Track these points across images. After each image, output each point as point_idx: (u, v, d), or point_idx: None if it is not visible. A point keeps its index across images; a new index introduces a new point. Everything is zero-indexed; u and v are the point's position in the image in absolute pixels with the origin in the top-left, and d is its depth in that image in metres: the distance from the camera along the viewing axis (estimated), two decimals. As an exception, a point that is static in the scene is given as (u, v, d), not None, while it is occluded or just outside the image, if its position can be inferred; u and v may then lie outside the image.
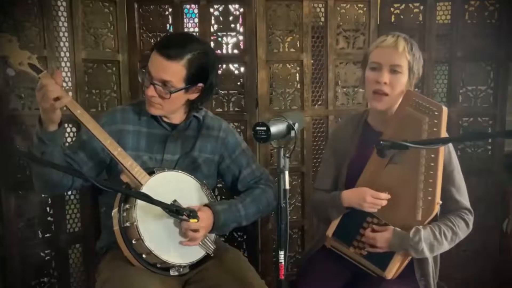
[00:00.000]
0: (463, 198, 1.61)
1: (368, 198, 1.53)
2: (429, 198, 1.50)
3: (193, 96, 1.64)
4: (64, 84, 1.96)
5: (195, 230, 1.51)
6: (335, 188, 1.73)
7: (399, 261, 1.54)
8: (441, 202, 1.53)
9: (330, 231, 1.65)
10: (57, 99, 1.39)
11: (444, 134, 1.52)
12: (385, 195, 1.54)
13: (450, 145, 1.62)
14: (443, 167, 1.54)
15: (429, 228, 1.52)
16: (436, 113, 1.51)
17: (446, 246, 1.55)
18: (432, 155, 1.50)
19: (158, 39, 2.23)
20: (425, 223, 1.52)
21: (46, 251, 2.01)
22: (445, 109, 1.51)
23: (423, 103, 1.54)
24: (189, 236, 1.52)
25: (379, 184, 1.56)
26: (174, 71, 1.55)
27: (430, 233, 1.51)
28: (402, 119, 1.57)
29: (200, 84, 1.62)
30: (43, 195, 1.96)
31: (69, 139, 2.01)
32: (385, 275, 1.53)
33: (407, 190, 1.53)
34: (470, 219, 1.60)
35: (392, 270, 1.53)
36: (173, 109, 1.64)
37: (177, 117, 1.69)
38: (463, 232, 1.58)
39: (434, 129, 1.50)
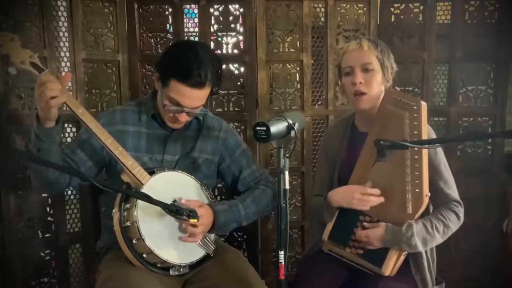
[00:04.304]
0: (452, 190, 1.63)
1: (357, 195, 1.55)
2: (417, 190, 1.53)
3: None
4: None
5: (194, 225, 1.51)
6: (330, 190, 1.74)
7: (394, 257, 1.55)
8: (429, 194, 1.55)
9: (325, 235, 1.66)
10: (53, 98, 1.39)
11: (425, 127, 1.55)
12: (374, 190, 1.56)
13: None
14: (430, 162, 1.57)
15: (421, 222, 1.54)
16: (415, 107, 1.55)
17: (438, 239, 1.57)
18: (416, 149, 1.53)
19: (158, 39, 2.23)
20: (416, 215, 1.54)
21: (46, 251, 2.01)
22: (423, 104, 1.55)
23: (402, 100, 1.58)
24: (188, 231, 1.52)
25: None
26: (205, 94, 1.60)
27: (423, 227, 1.53)
28: (385, 117, 1.60)
29: (215, 88, 1.65)
30: (42, 195, 1.96)
31: (69, 139, 2.00)
32: (383, 272, 1.54)
33: (395, 185, 1.56)
34: (461, 210, 1.62)
35: (389, 267, 1.54)
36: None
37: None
38: (454, 224, 1.60)
39: (415, 123, 1.54)
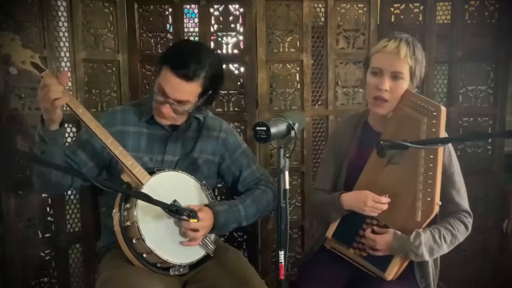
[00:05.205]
0: (463, 201, 1.61)
1: (369, 202, 1.53)
2: (428, 199, 1.50)
3: (200, 102, 1.64)
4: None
5: (195, 230, 1.51)
6: (335, 188, 1.73)
7: (399, 263, 1.54)
8: (440, 203, 1.53)
9: (330, 232, 1.65)
10: (57, 99, 1.39)
11: (443, 134, 1.52)
12: (386, 199, 1.53)
13: (451, 147, 1.62)
14: (444, 170, 1.54)
15: (429, 231, 1.52)
16: (434, 113, 1.50)
17: (445, 249, 1.56)
18: (431, 156, 1.50)
19: (158, 39, 2.23)
20: (425, 224, 1.52)
21: (46, 251, 2.01)
22: (443, 109, 1.50)
23: (421, 103, 1.53)
24: (189, 236, 1.52)
25: (378, 185, 1.56)
26: (192, 90, 1.56)
27: (430, 237, 1.51)
28: (401, 119, 1.56)
29: (210, 92, 1.63)
30: (43, 195, 1.96)
31: (69, 139, 2.00)
32: (386, 276, 1.53)
33: (406, 191, 1.53)
34: (470, 221, 1.60)
35: (392, 272, 1.53)
36: (183, 118, 1.65)
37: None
38: (462, 234, 1.58)
39: (433, 129, 1.50)
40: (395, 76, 1.55)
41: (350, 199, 1.58)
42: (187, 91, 1.55)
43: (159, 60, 1.58)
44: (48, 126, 1.46)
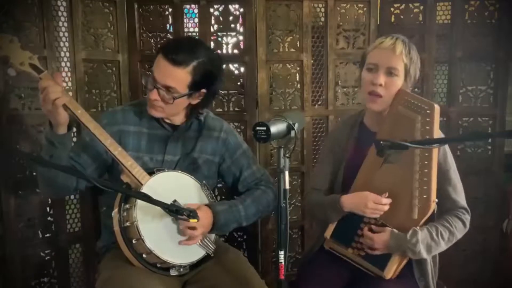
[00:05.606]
0: (460, 197, 1.62)
1: (370, 204, 1.53)
2: (425, 196, 1.51)
3: (195, 101, 1.64)
4: (64, 84, 1.96)
5: (193, 228, 1.51)
6: (332, 187, 1.73)
7: (397, 261, 1.54)
8: (437, 200, 1.53)
9: (328, 233, 1.65)
10: (57, 99, 1.40)
11: (437, 132, 1.52)
12: (387, 200, 1.54)
13: (446, 145, 1.62)
14: (439, 167, 1.55)
15: (426, 229, 1.53)
16: (428, 111, 1.51)
17: (443, 246, 1.56)
18: (426, 154, 1.51)
19: (158, 39, 2.23)
20: (422, 221, 1.53)
21: (46, 251, 2.01)
22: (437, 107, 1.51)
23: (415, 102, 1.54)
24: (187, 234, 1.52)
25: (375, 184, 1.57)
26: (179, 77, 1.54)
27: (427, 234, 1.52)
28: (395, 118, 1.57)
29: (203, 90, 1.61)
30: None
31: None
32: (384, 275, 1.54)
33: (403, 189, 1.54)
34: (467, 218, 1.60)
35: (391, 270, 1.54)
36: (174, 112, 1.64)
37: (178, 118, 1.68)
38: (460, 231, 1.58)
39: (427, 127, 1.51)
40: (390, 72, 1.56)
41: (351, 202, 1.58)
42: (174, 76, 1.53)
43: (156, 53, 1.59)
44: (56, 130, 1.46)
